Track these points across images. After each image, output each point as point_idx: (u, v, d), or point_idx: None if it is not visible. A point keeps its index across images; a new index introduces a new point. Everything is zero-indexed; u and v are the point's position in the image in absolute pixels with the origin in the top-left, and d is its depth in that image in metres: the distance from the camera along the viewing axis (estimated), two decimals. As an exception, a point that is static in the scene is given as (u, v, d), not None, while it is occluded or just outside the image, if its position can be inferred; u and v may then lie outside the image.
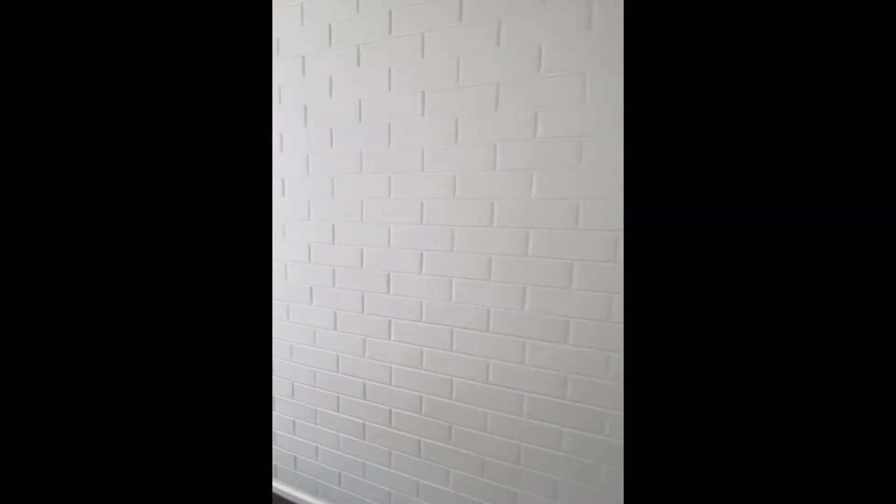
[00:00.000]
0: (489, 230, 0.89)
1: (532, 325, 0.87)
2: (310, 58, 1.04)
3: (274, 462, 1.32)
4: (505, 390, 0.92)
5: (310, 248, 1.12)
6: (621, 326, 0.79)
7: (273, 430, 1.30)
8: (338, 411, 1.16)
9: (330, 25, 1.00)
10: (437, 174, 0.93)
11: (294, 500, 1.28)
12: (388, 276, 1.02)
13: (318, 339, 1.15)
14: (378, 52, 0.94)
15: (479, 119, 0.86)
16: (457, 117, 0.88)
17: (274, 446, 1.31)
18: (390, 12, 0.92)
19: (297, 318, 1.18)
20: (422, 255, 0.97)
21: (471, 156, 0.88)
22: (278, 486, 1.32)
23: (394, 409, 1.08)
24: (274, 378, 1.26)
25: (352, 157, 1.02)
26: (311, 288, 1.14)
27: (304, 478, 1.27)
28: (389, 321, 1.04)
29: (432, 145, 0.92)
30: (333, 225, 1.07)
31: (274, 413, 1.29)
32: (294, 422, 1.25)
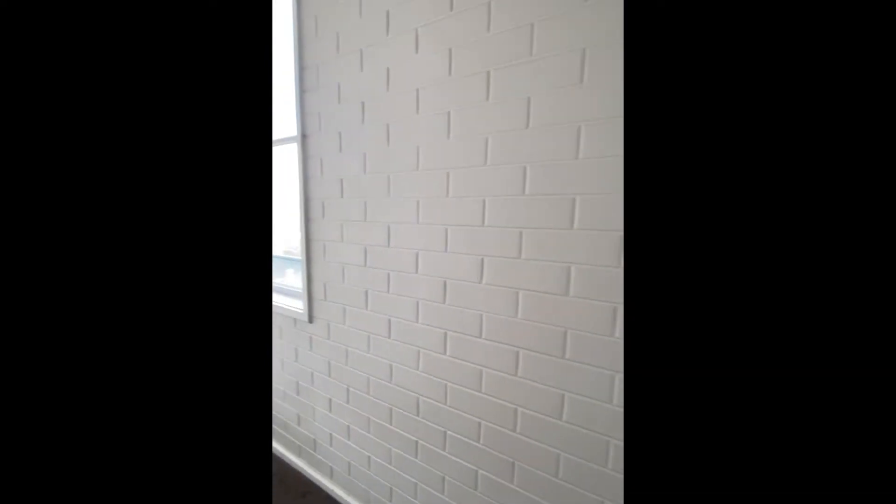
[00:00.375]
0: (570, 232, 0.72)
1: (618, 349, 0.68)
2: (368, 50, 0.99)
3: (329, 463, 1.32)
4: (587, 433, 0.74)
5: (365, 250, 1.08)
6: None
7: (329, 432, 1.30)
8: (390, 423, 1.10)
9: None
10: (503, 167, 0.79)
11: (347, 506, 1.27)
12: (445, 283, 0.91)
13: (373, 346, 1.10)
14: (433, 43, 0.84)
15: (558, 97, 0.70)
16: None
17: (330, 448, 1.31)
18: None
19: (353, 323, 1.15)
20: (482, 261, 0.84)
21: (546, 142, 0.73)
22: (333, 487, 1.31)
23: (449, 432, 0.97)
24: (330, 381, 1.26)
25: (409, 154, 0.94)
26: (366, 291, 1.09)
27: (357, 485, 1.24)
28: (445, 333, 0.93)
29: (497, 133, 0.79)
30: (389, 226, 1.01)
31: (330, 415, 1.28)
32: (349, 427, 1.23)
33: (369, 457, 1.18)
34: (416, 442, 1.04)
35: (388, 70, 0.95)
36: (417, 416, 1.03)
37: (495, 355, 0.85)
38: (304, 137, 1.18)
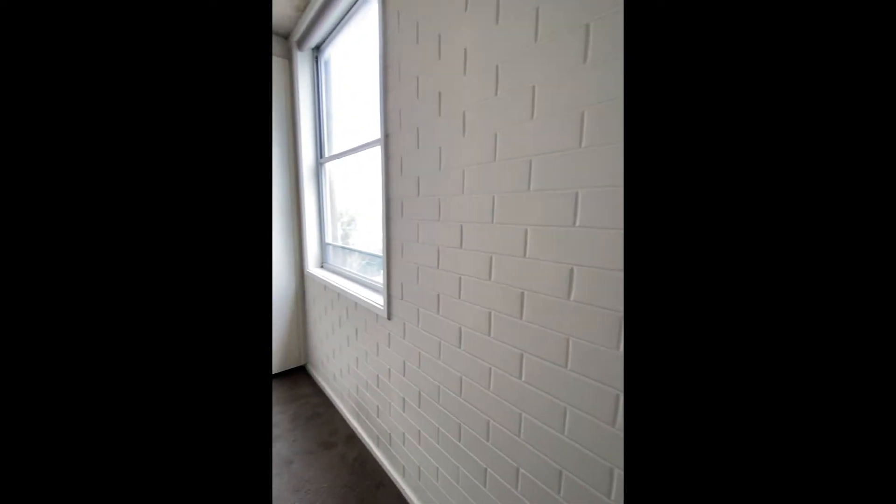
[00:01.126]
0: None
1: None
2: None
3: (402, 461, 1.32)
4: None
5: (439, 251, 1.01)
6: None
7: (402, 431, 1.30)
8: (459, 440, 1.01)
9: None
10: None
11: (416, 511, 1.24)
12: (522, 295, 0.77)
13: (444, 353, 1.04)
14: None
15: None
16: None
17: (402, 447, 1.31)
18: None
19: (426, 326, 1.10)
20: (572, 271, 0.66)
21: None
22: (404, 486, 1.31)
23: (522, 470, 0.82)
24: (404, 380, 1.25)
25: (486, 142, 0.82)
26: (438, 295, 1.03)
27: (425, 493, 1.20)
28: (521, 355, 0.79)
29: (593, 106, 0.60)
30: (462, 226, 0.92)
31: (403, 415, 1.28)
32: (419, 432, 1.20)
33: (437, 468, 1.12)
34: (486, 470, 0.93)
35: (465, 51, 0.85)
36: (487, 440, 0.91)
37: (581, 391, 0.67)
38: (386, 137, 1.19)
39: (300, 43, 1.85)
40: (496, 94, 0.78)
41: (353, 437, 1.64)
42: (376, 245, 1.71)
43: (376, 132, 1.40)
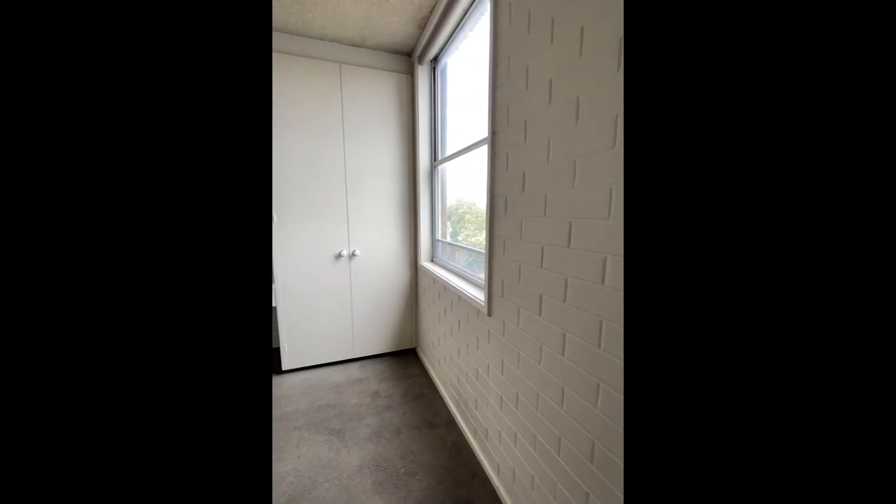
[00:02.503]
0: None
1: None
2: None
3: (497, 459, 1.32)
4: None
5: (543, 249, 0.95)
6: None
7: (498, 429, 1.30)
8: (558, 455, 0.94)
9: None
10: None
11: (510, 513, 1.22)
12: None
13: (545, 359, 0.98)
14: None
15: None
16: None
17: (498, 445, 1.31)
18: None
19: (526, 327, 1.06)
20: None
21: None
22: (498, 484, 1.31)
23: None
24: (502, 379, 1.24)
25: (604, 128, 0.73)
26: (540, 296, 0.97)
27: (519, 497, 1.17)
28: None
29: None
30: (570, 223, 0.84)
31: (500, 413, 1.27)
32: (516, 434, 1.17)
33: (533, 476, 1.07)
34: (588, 495, 0.83)
35: (581, 30, 0.77)
36: (591, 463, 0.81)
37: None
38: (493, 135, 1.19)
39: (420, 57, 2.03)
40: (617, 70, 0.68)
41: (452, 423, 1.73)
42: (480, 242, 1.74)
43: (484, 131, 1.42)
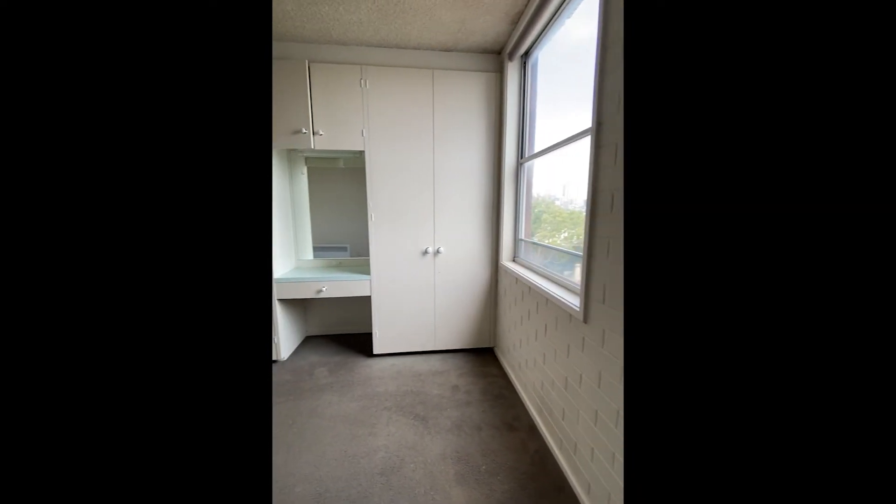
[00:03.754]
0: None
1: None
2: None
3: (587, 478, 1.22)
4: None
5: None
6: None
7: (591, 446, 1.20)
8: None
9: None
10: None
11: (602, 539, 1.12)
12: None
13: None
14: None
15: None
16: None
17: (590, 463, 1.21)
18: None
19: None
20: None
21: None
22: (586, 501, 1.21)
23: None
24: (598, 392, 1.14)
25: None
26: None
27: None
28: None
29: None
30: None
31: (594, 429, 1.17)
32: (614, 455, 1.06)
33: (636, 506, 0.96)
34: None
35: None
36: None
37: None
38: (598, 125, 1.10)
39: (511, 54, 2.00)
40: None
41: (534, 430, 1.67)
42: (566, 242, 1.63)
43: (583, 124, 1.32)
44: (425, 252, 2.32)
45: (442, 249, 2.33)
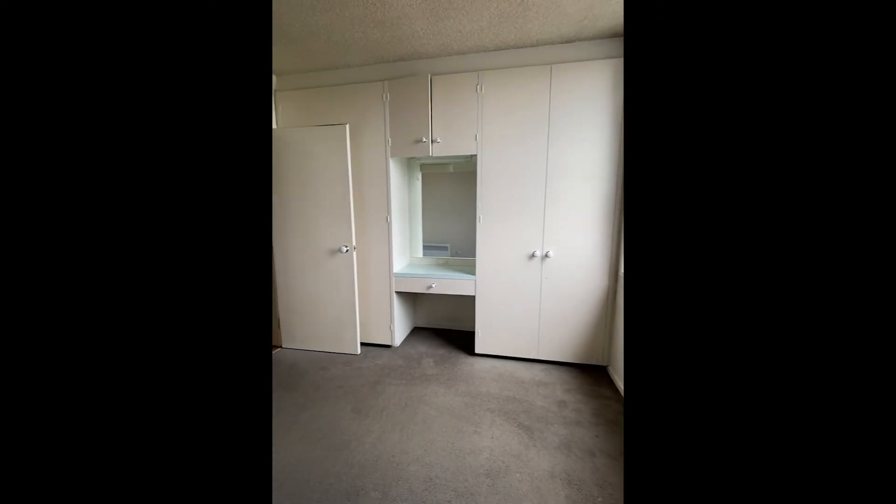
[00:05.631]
0: None
1: None
2: None
3: None
4: None
5: None
6: None
7: None
8: None
9: None
10: None
11: None
12: None
13: None
14: None
15: None
16: None
17: None
18: None
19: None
20: None
21: None
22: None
23: None
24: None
25: None
26: None
27: None
28: None
29: None
30: None
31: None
32: None
33: None
34: None
35: None
36: None
37: None
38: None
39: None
40: None
41: (664, 473, 1.41)
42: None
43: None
44: (532, 255, 2.23)
45: (551, 253, 2.20)
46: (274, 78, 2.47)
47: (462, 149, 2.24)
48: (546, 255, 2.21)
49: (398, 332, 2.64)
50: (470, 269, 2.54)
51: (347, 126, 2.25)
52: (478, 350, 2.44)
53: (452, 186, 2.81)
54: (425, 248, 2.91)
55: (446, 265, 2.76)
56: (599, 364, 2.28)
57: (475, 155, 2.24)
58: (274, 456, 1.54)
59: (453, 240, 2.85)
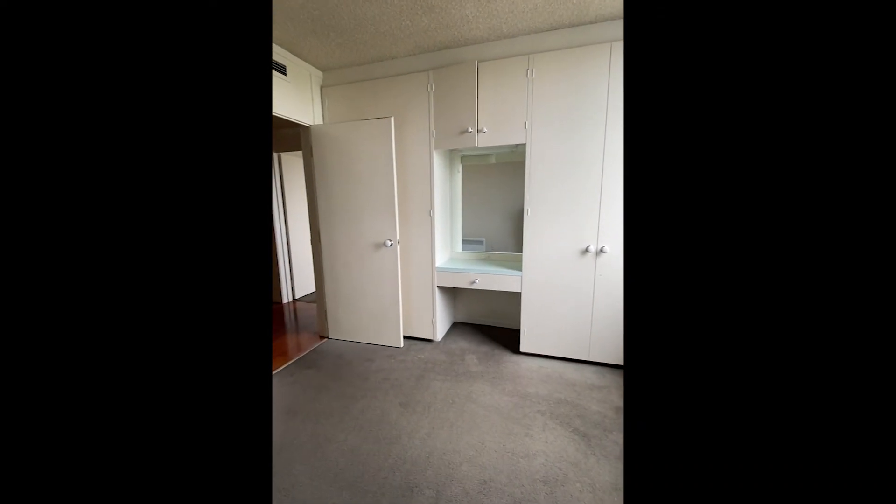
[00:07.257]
0: None
1: None
2: None
3: None
4: None
5: None
6: None
7: None
8: None
9: None
10: None
11: None
12: None
13: None
14: None
15: None
16: None
17: None
18: None
19: None
20: None
21: None
22: None
23: None
24: None
25: None
26: None
27: None
28: None
29: None
30: None
31: None
32: None
33: None
34: None
35: None
36: None
37: None
38: None
39: None
40: None
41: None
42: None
43: None
44: (586, 251, 2.09)
45: (606, 248, 2.04)
46: (320, 74, 2.50)
47: (510, 138, 2.14)
48: (601, 251, 2.06)
49: (440, 326, 2.61)
50: (512, 265, 2.44)
51: (392, 119, 2.22)
52: (523, 349, 2.35)
53: (492, 179, 2.70)
54: (464, 242, 2.85)
55: (488, 260, 2.68)
56: (659, 369, 2.10)
57: (523, 144, 2.12)
58: (331, 444, 1.57)
59: (489, 234, 2.76)
